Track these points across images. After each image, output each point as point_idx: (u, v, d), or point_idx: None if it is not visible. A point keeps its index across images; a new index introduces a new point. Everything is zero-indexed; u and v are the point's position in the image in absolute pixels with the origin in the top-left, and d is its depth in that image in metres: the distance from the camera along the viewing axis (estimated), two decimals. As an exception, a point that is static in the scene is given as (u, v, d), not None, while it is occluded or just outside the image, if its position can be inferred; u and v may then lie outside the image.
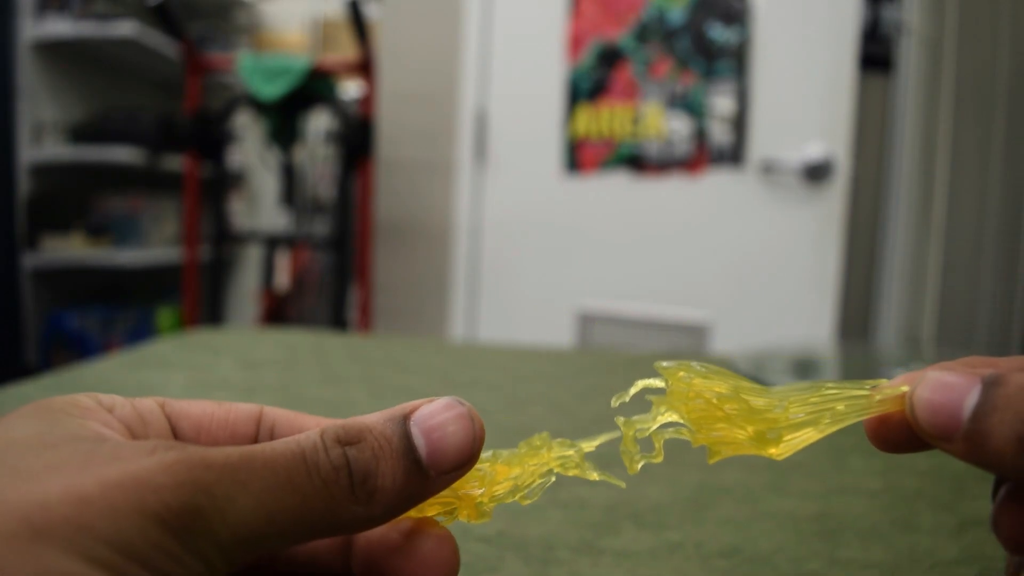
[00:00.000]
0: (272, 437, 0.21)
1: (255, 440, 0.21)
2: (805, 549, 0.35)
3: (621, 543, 0.34)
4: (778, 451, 0.20)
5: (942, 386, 0.17)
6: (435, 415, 0.18)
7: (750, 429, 0.19)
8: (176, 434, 0.20)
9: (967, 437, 0.17)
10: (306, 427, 0.21)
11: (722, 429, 0.20)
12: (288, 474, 0.16)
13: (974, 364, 0.19)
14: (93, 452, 0.16)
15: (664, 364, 0.20)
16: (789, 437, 0.19)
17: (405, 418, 0.18)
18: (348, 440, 0.17)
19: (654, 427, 0.20)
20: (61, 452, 0.16)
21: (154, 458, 0.15)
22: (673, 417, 0.20)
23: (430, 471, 0.18)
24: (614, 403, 0.21)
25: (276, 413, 0.22)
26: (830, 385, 0.20)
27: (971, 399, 0.17)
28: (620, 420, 0.21)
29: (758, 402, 0.20)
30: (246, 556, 0.16)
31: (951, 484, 0.44)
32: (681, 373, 0.20)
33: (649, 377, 0.21)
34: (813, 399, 0.19)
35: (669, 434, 0.20)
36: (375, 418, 0.18)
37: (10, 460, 0.15)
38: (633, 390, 0.21)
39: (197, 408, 0.21)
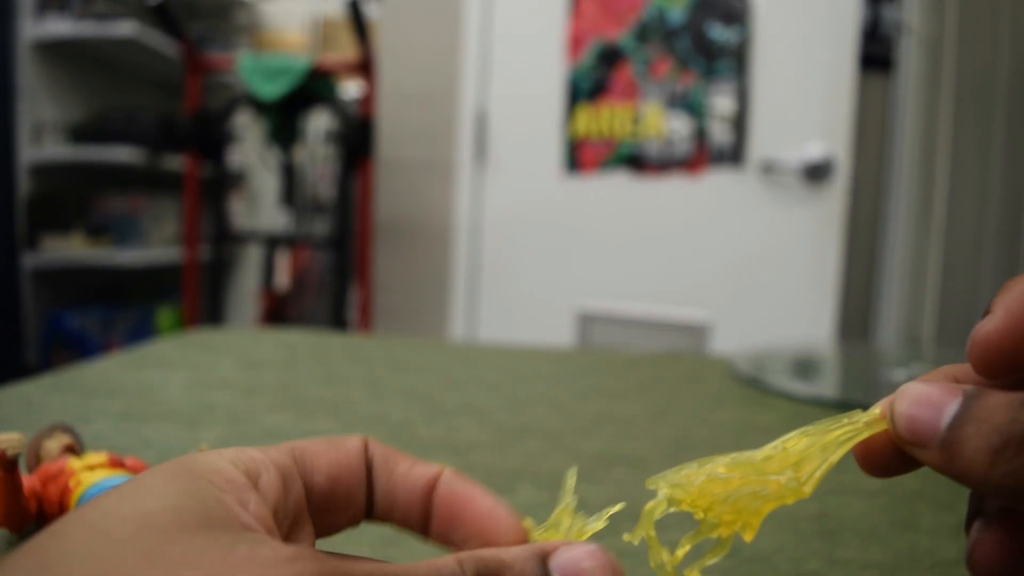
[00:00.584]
0: (372, 483, 0.21)
1: (368, 488, 0.20)
2: (805, 549, 0.35)
3: (621, 543, 0.34)
4: (805, 488, 0.19)
5: (924, 395, 0.18)
6: (578, 563, 0.17)
7: (781, 479, 0.19)
8: (311, 496, 0.19)
9: (943, 445, 0.17)
10: (398, 468, 0.21)
11: (742, 498, 0.19)
12: None
13: (953, 374, 0.20)
14: (232, 549, 0.15)
15: (653, 478, 0.20)
16: (805, 471, 0.19)
17: (544, 559, 0.17)
18: (488, 574, 0.17)
19: (666, 506, 0.20)
20: (198, 542, 0.15)
21: (295, 568, 0.15)
22: (679, 495, 0.19)
23: None
24: (626, 537, 0.20)
25: (375, 451, 0.21)
26: (809, 428, 0.20)
27: (951, 408, 0.17)
28: (632, 536, 0.20)
29: (756, 458, 0.19)
30: None
31: (951, 484, 0.44)
32: (682, 472, 0.20)
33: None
34: (802, 442, 0.19)
35: (707, 560, 0.19)
36: (513, 554, 0.17)
37: (146, 542, 0.14)
38: (640, 532, 0.20)
39: (325, 459, 0.20)
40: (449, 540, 0.20)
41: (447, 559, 0.17)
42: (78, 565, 0.14)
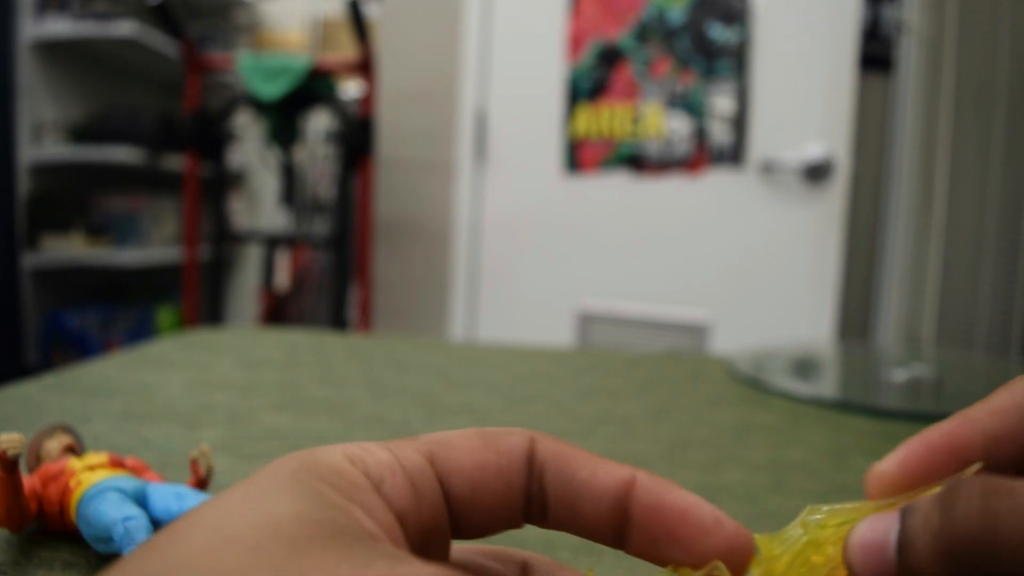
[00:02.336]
0: (542, 487, 0.18)
1: (527, 491, 0.18)
2: (805, 549, 0.35)
3: (621, 543, 0.34)
4: None
5: (868, 531, 0.17)
6: None
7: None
8: (449, 498, 0.18)
9: (900, 573, 0.16)
10: (579, 473, 0.18)
11: None
12: None
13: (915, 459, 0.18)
14: (368, 566, 0.14)
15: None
16: None
17: None
18: None
19: None
20: (331, 556, 0.14)
21: None
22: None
23: None
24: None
25: (546, 453, 0.18)
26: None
27: (894, 534, 0.16)
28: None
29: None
30: None
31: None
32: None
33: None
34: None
35: None
36: None
37: (274, 554, 0.13)
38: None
39: (469, 460, 0.18)
40: (651, 552, 0.18)
41: None
42: (201, 573, 0.13)
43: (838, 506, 0.18)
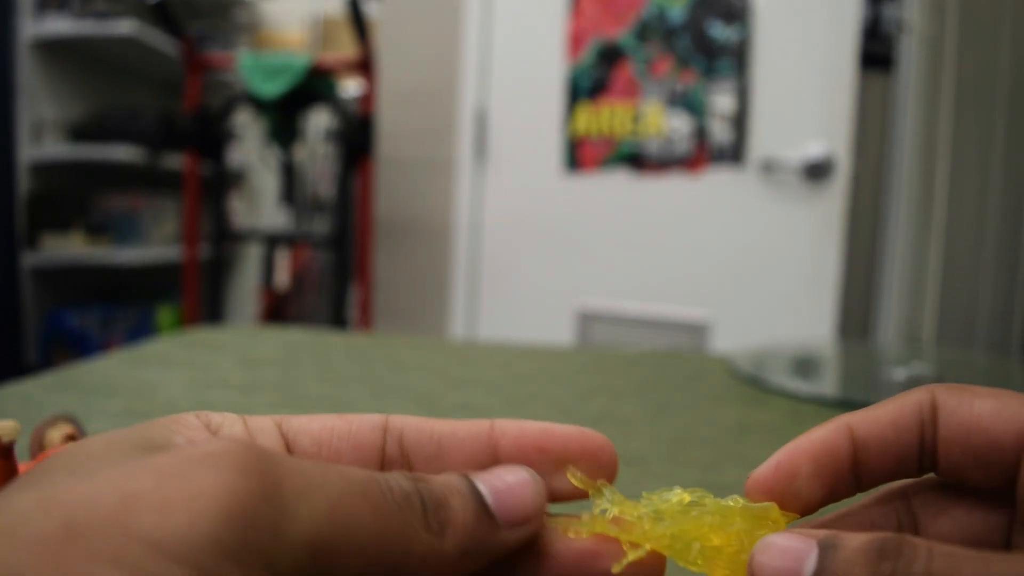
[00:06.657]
0: (401, 446, 0.20)
1: (383, 450, 0.20)
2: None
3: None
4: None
5: (781, 552, 0.17)
6: (496, 473, 0.18)
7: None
8: (291, 450, 0.19)
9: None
10: (438, 432, 0.20)
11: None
12: (363, 486, 0.15)
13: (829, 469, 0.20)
14: (153, 457, 0.15)
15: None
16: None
17: (465, 475, 0.18)
18: (415, 478, 0.17)
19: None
20: (127, 455, 0.15)
21: (220, 444, 0.14)
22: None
23: (499, 519, 0.17)
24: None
25: (404, 420, 0.20)
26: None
27: (809, 565, 0.17)
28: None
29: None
30: (313, 568, 0.14)
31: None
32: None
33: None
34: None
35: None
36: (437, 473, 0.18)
37: (72, 463, 0.14)
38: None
39: (317, 423, 0.20)
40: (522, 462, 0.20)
41: (393, 472, 0.17)
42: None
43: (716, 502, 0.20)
